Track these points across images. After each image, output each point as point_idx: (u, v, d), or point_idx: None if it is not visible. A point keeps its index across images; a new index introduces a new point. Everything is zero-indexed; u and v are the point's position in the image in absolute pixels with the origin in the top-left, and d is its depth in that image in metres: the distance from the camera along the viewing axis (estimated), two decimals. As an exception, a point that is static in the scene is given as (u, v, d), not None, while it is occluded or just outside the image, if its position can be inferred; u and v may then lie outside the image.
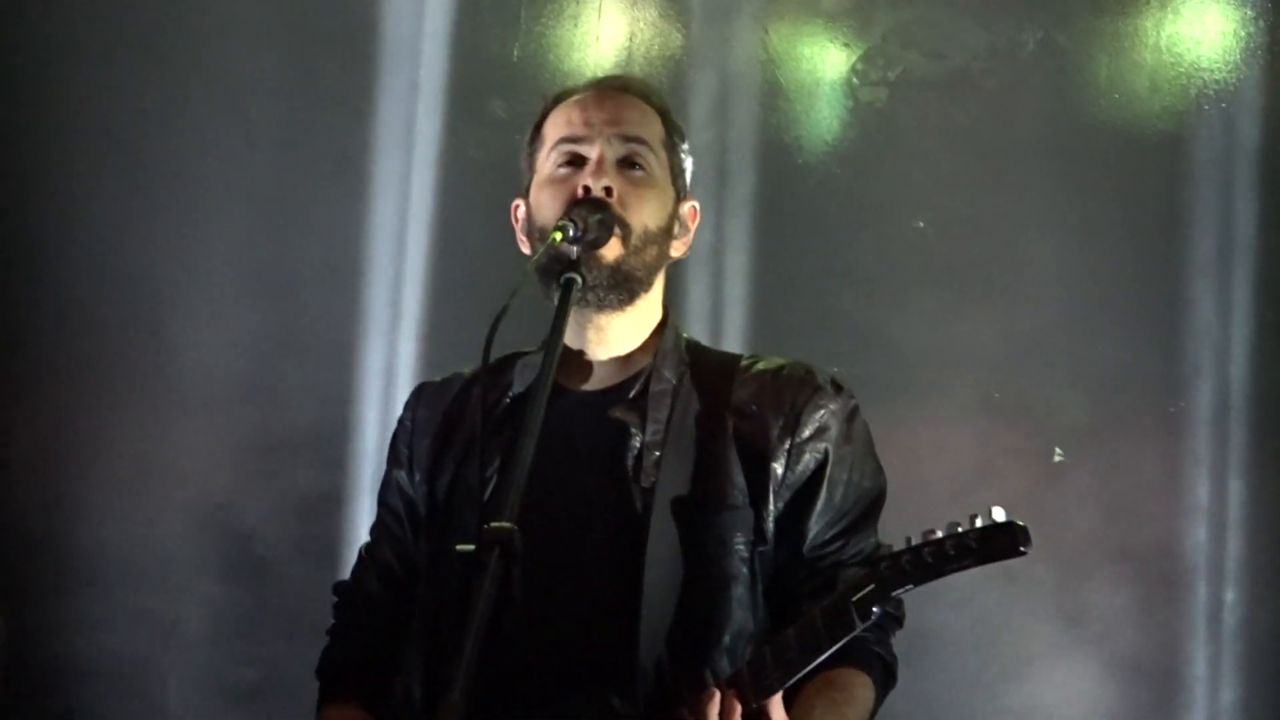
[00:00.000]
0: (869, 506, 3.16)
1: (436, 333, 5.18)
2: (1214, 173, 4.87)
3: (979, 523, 2.60)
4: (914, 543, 2.65)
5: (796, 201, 5.07)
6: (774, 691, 2.74)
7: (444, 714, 2.27)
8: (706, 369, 3.22)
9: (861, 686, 3.05)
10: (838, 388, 3.18)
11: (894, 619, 3.11)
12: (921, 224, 4.99)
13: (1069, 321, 4.92)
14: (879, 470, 3.21)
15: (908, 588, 2.66)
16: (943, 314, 4.98)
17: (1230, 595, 4.79)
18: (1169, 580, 4.84)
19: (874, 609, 2.67)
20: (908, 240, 5.01)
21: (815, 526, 3.09)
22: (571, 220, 2.98)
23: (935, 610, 4.57)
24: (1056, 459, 4.86)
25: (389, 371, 5.19)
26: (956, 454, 4.90)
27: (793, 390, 3.14)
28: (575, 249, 2.99)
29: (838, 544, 3.10)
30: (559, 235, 2.95)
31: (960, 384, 4.94)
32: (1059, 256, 4.93)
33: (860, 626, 2.67)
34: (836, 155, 5.06)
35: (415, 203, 5.23)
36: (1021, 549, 2.57)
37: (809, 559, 3.09)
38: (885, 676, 3.10)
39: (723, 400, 3.15)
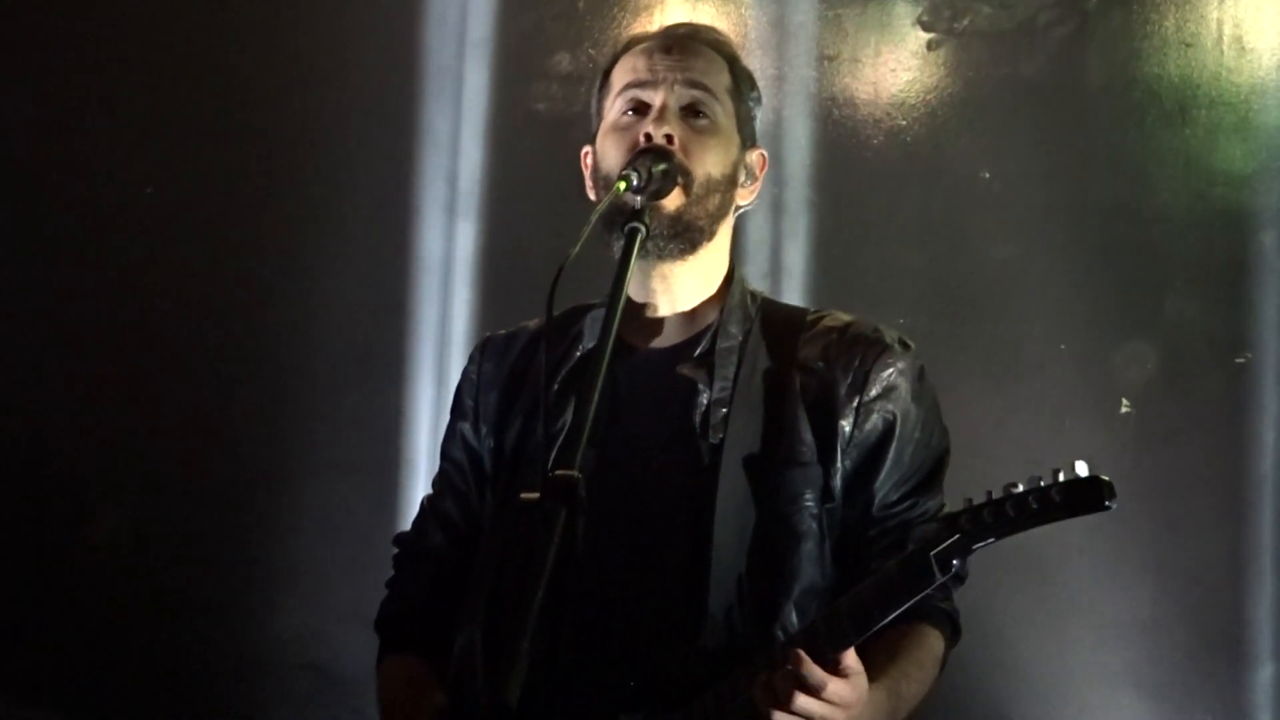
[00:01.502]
0: (935, 466, 3.16)
1: (492, 289, 5.18)
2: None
3: (1062, 477, 2.59)
4: (995, 496, 2.65)
5: (860, 153, 5.06)
6: (849, 644, 2.74)
7: (509, 664, 2.29)
8: (773, 324, 3.22)
9: (931, 636, 3.07)
10: (905, 346, 3.18)
11: (957, 575, 3.11)
12: (988, 175, 4.96)
13: (1136, 272, 4.89)
14: (945, 431, 3.22)
15: (989, 540, 2.64)
16: (1008, 267, 4.96)
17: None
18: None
19: (954, 561, 2.66)
20: (973, 192, 4.99)
21: (884, 486, 3.10)
22: (635, 170, 2.98)
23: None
24: (1124, 410, 4.85)
25: (443, 325, 5.20)
26: (1023, 408, 4.89)
27: (860, 348, 3.13)
28: (639, 199, 2.99)
29: (906, 503, 3.11)
30: (622, 185, 2.95)
31: (1027, 337, 4.91)
32: (1125, 207, 4.90)
33: (940, 579, 2.67)
34: (901, 107, 5.04)
35: (465, 158, 5.23)
36: (1106, 503, 2.56)
37: (878, 518, 3.10)
38: (953, 631, 3.12)
39: (789, 357, 3.15)
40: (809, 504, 3.06)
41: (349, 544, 5.14)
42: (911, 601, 2.75)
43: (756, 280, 4.80)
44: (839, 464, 3.08)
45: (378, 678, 3.31)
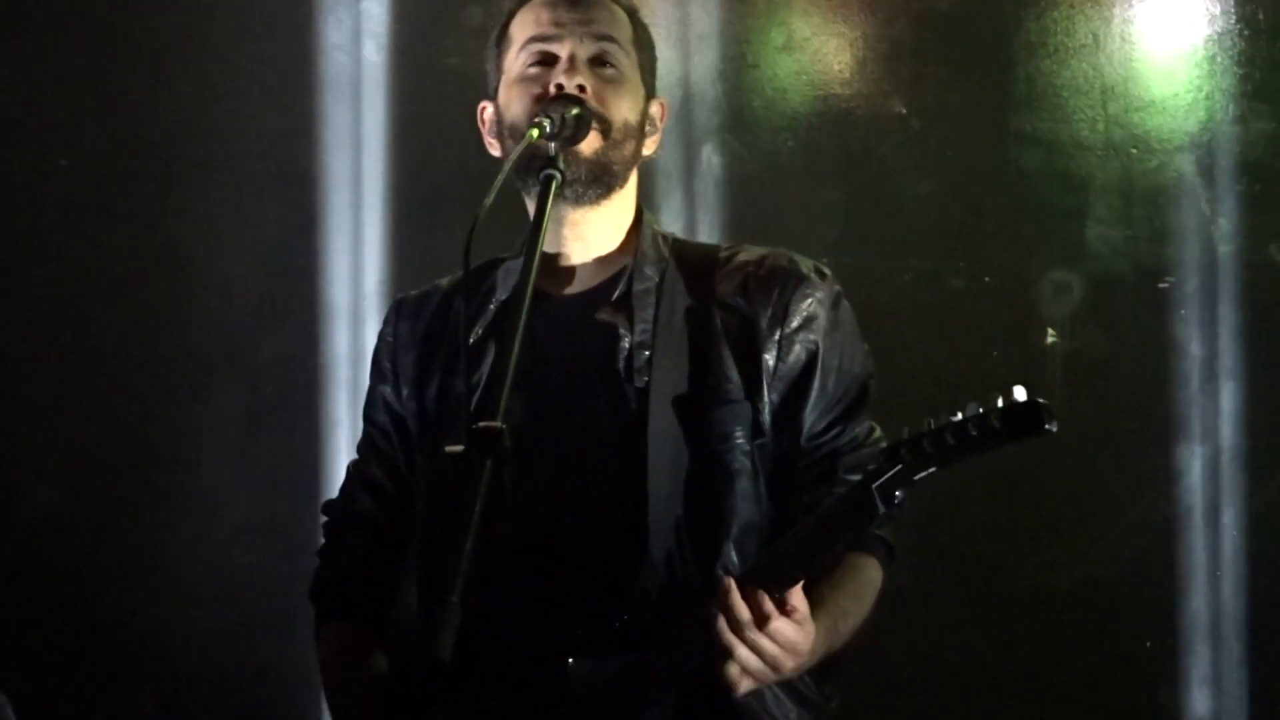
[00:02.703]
0: (860, 392, 3.15)
1: (402, 246, 5.14)
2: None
3: (1001, 403, 2.58)
4: (935, 425, 2.63)
5: (773, 93, 5.03)
6: (796, 582, 2.73)
7: (439, 619, 2.26)
8: (688, 263, 3.21)
9: (869, 567, 3.07)
10: (822, 275, 3.18)
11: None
12: (904, 111, 4.95)
13: (1057, 202, 4.89)
14: (867, 355, 3.21)
15: (931, 470, 2.63)
16: (929, 202, 4.95)
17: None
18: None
19: (897, 493, 2.65)
20: (891, 129, 4.97)
21: (810, 416, 3.09)
22: (548, 116, 2.95)
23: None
24: (1050, 340, 4.86)
25: (355, 288, 5.17)
26: (948, 342, 4.89)
27: (778, 280, 3.13)
28: (553, 145, 2.95)
29: (834, 431, 3.10)
30: (536, 132, 2.91)
31: (950, 271, 4.91)
32: (1044, 137, 4.90)
33: (884, 511, 2.66)
34: (814, 44, 5.02)
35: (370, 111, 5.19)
36: (1046, 426, 2.55)
37: (806, 449, 3.09)
38: (889, 558, 3.11)
39: (708, 294, 3.14)
40: (740, 441, 3.05)
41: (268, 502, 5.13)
42: (856, 536, 2.76)
43: (671, 224, 4.82)
44: (766, 398, 3.07)
45: (317, 646, 3.27)
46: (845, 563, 3.00)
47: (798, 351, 3.08)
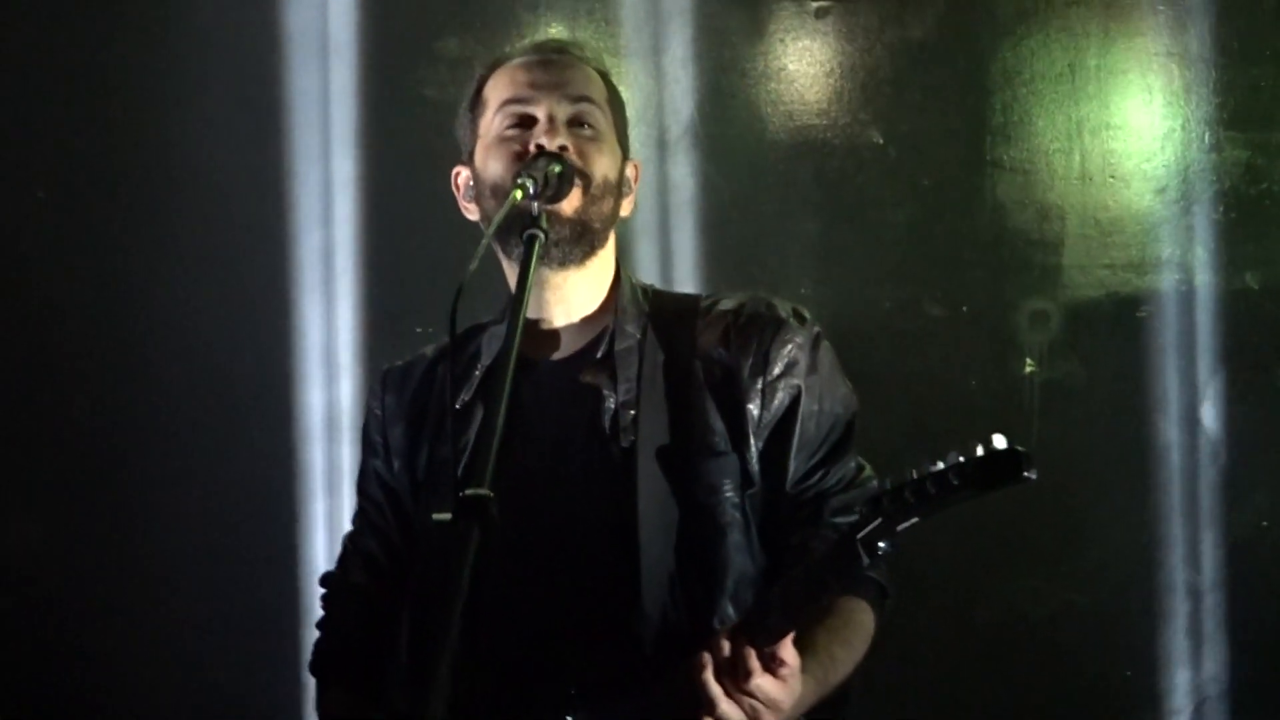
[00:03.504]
0: (844, 432, 3.15)
1: (374, 296, 5.14)
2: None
3: (980, 451, 2.57)
4: (915, 476, 2.63)
5: (749, 125, 5.03)
6: (784, 635, 2.72)
7: (428, 690, 2.25)
8: (667, 316, 3.21)
9: (860, 612, 3.04)
10: (800, 319, 3.17)
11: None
12: (881, 140, 4.96)
13: (1034, 231, 4.90)
14: (849, 393, 3.20)
15: (913, 520, 2.62)
16: (906, 230, 4.96)
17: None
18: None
19: (880, 544, 2.65)
20: (867, 158, 4.98)
21: (795, 461, 3.09)
22: (531, 176, 2.93)
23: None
24: (1028, 370, 4.86)
25: (329, 322, 5.16)
26: (927, 371, 4.89)
27: (757, 328, 3.13)
28: (536, 205, 2.94)
29: (819, 474, 3.10)
30: (519, 193, 2.90)
31: (928, 299, 4.92)
32: (1020, 166, 4.91)
33: (867, 564, 2.64)
34: (789, 75, 5.02)
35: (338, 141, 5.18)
36: (1025, 474, 2.55)
37: (793, 493, 3.09)
38: (881, 599, 3.09)
39: (688, 347, 3.14)
40: (729, 494, 3.05)
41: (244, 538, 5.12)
42: (841, 588, 2.75)
43: (646, 255, 4.82)
44: (753, 447, 3.07)
45: (319, 715, 3.28)
46: (837, 608, 2.99)
47: (780, 398, 3.08)
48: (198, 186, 5.16)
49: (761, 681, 2.70)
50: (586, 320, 3.19)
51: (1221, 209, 4.85)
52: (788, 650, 2.72)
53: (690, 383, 3.10)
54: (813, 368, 3.13)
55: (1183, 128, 4.87)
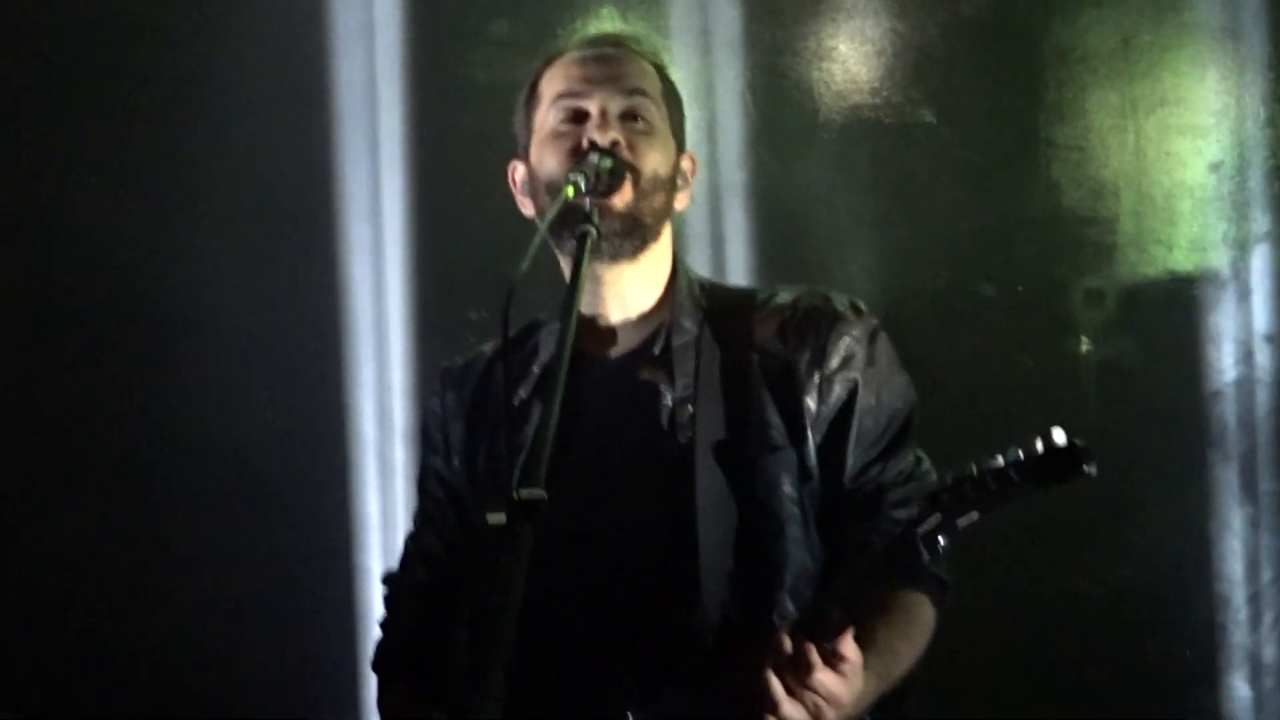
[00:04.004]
0: (902, 426, 3.15)
1: (425, 286, 5.17)
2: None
3: (1040, 447, 2.57)
4: (974, 471, 2.62)
5: (802, 106, 5.02)
6: (844, 630, 2.71)
7: (485, 690, 2.31)
8: (724, 311, 3.21)
9: (920, 605, 3.05)
10: (858, 312, 3.17)
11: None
12: (934, 120, 4.94)
13: (1089, 209, 4.88)
14: (908, 386, 3.20)
15: (972, 516, 2.63)
16: (958, 211, 4.94)
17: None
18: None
19: (940, 539, 2.65)
20: (919, 138, 4.96)
21: (853, 455, 3.09)
22: (582, 172, 2.95)
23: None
24: (1084, 349, 4.85)
25: (380, 330, 5.17)
26: (982, 351, 4.87)
27: (814, 322, 3.14)
28: (588, 200, 2.96)
29: (877, 468, 3.10)
30: (571, 189, 2.92)
31: (983, 279, 4.90)
32: (1074, 145, 4.88)
33: (928, 559, 2.65)
34: (840, 55, 5.01)
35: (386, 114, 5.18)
36: (1085, 469, 2.55)
37: (851, 487, 3.09)
38: (941, 593, 3.09)
39: (745, 341, 3.14)
40: (787, 489, 3.05)
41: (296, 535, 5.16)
42: (900, 583, 2.78)
43: (699, 247, 4.82)
44: (810, 442, 3.07)
45: (380, 714, 3.30)
46: (897, 602, 3.00)
47: (838, 392, 3.09)
48: (246, 179, 5.19)
49: (823, 677, 2.69)
50: (643, 316, 3.20)
51: (1277, 185, 4.81)
52: (849, 646, 2.72)
53: (747, 378, 3.10)
54: (870, 361, 3.12)
55: (1237, 103, 4.83)
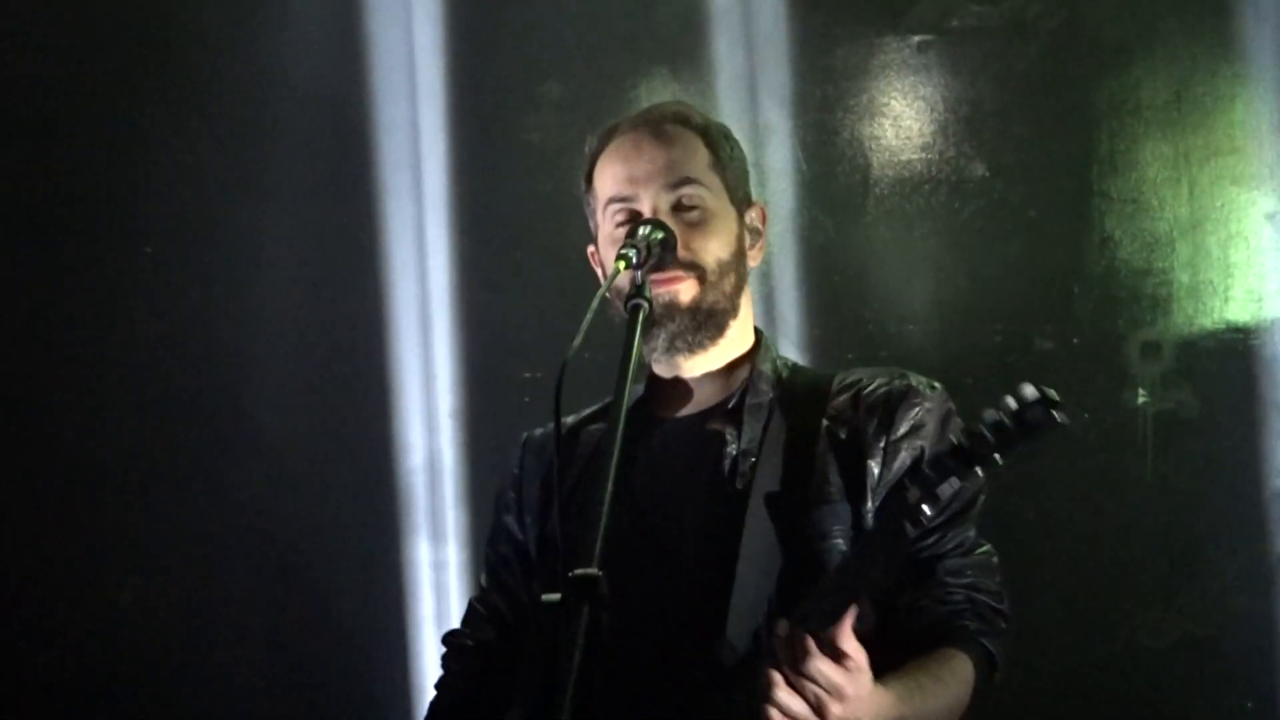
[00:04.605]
0: (968, 502, 3.11)
1: (473, 344, 5.21)
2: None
3: (1012, 403, 2.57)
4: (954, 441, 2.65)
5: (856, 162, 5.03)
6: (836, 617, 2.69)
7: None
8: (802, 385, 3.24)
9: (959, 660, 3.01)
10: (932, 387, 3.19)
11: (998, 613, 3.09)
12: (987, 174, 4.93)
13: (1144, 262, 4.87)
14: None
15: (952, 481, 2.63)
16: (1015, 264, 4.94)
17: None
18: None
19: (925, 508, 2.64)
20: (973, 191, 4.96)
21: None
22: (633, 246, 2.97)
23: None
24: (1141, 401, 4.83)
25: (427, 388, 5.20)
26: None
27: (886, 390, 3.15)
28: (639, 274, 2.97)
29: (935, 536, 3.07)
30: (622, 265, 2.94)
31: (1038, 333, 4.89)
32: (1128, 197, 4.87)
33: (913, 531, 2.65)
34: (894, 111, 5.02)
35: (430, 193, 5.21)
36: (1057, 418, 2.55)
37: (910, 556, 3.05)
38: (987, 662, 3.06)
39: (818, 410, 3.16)
40: (838, 540, 3.04)
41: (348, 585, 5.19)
42: (891, 563, 2.75)
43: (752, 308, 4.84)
44: (870, 503, 3.07)
45: None
46: (937, 653, 2.98)
47: (903, 457, 3.08)
48: (293, 239, 5.23)
49: (820, 665, 2.67)
50: (720, 374, 3.23)
51: (1331, 233, 4.80)
52: (848, 641, 2.70)
53: (814, 441, 3.11)
54: (941, 434, 3.11)
55: (1291, 153, 4.83)
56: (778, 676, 2.69)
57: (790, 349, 4.83)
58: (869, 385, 3.17)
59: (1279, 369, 4.78)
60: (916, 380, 3.18)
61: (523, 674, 3.21)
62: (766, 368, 3.24)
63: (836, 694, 2.68)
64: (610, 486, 2.62)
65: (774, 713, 2.70)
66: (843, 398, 3.17)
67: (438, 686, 3.41)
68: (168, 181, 5.31)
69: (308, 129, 5.26)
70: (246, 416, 5.26)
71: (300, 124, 5.26)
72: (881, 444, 3.09)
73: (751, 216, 3.30)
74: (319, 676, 5.21)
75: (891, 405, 3.12)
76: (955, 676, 2.99)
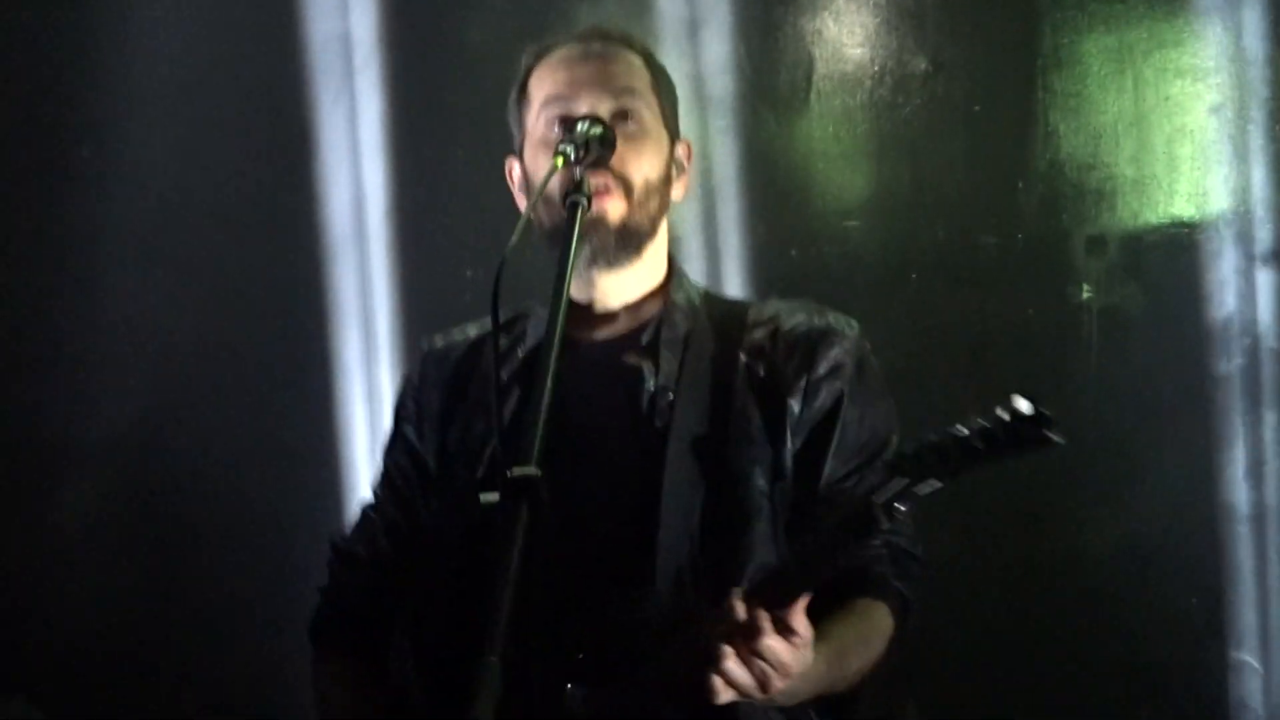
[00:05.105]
0: (881, 447, 3.14)
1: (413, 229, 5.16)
2: None
3: (1005, 415, 2.51)
4: (935, 439, 2.55)
5: (789, 51, 4.99)
6: (795, 598, 2.68)
7: (483, 680, 2.27)
8: (718, 315, 3.24)
9: (878, 613, 3.05)
10: (850, 326, 3.20)
11: (914, 558, 3.12)
12: (930, 68, 4.89)
13: (1088, 158, 4.83)
14: (891, 413, 3.21)
15: (932, 484, 2.57)
16: (956, 161, 4.90)
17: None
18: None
19: (899, 506, 2.59)
20: (914, 88, 4.91)
21: (832, 463, 3.10)
22: (572, 142, 2.94)
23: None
24: (1085, 296, 4.81)
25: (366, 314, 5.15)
26: (983, 302, 4.84)
27: (806, 330, 3.17)
28: (578, 170, 2.94)
29: (855, 478, 3.09)
30: (560, 160, 2.90)
31: (982, 230, 4.87)
32: (1073, 96, 4.84)
33: (886, 525, 2.59)
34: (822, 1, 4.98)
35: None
36: (1051, 438, 2.49)
37: (825, 496, 3.08)
38: (903, 609, 3.09)
39: (735, 343, 3.16)
40: (759, 482, 3.06)
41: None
42: (857, 549, 2.69)
43: (690, 204, 4.79)
44: (789, 443, 3.08)
45: (315, 680, 3.30)
46: (854, 606, 3.00)
47: (823, 397, 3.11)
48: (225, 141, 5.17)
49: (772, 642, 2.65)
50: (635, 306, 3.21)
51: (1278, 127, 4.76)
52: (799, 619, 2.68)
53: (733, 376, 3.11)
54: (858, 376, 3.15)
55: (1236, 44, 4.78)
56: (728, 649, 2.66)
57: (731, 248, 4.79)
58: (787, 321, 3.18)
59: (1224, 264, 4.76)
60: (835, 318, 3.21)
61: (421, 581, 3.20)
62: (680, 298, 3.22)
63: (783, 671, 2.68)
64: (549, 384, 2.61)
65: (719, 682, 2.68)
66: (760, 332, 3.17)
67: (325, 594, 3.38)
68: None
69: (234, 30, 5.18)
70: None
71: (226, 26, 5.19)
72: (802, 383, 3.10)
73: (679, 151, 3.29)
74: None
75: (811, 343, 3.13)
76: (876, 632, 3.03)
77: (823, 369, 3.10)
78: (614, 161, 3.05)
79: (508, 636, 2.30)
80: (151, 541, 5.21)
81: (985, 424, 2.48)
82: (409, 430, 3.33)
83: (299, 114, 5.15)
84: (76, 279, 5.25)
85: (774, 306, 3.23)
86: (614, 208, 3.07)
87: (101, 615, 5.16)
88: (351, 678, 3.25)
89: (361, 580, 3.34)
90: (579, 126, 2.99)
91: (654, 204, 3.15)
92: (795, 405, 3.08)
